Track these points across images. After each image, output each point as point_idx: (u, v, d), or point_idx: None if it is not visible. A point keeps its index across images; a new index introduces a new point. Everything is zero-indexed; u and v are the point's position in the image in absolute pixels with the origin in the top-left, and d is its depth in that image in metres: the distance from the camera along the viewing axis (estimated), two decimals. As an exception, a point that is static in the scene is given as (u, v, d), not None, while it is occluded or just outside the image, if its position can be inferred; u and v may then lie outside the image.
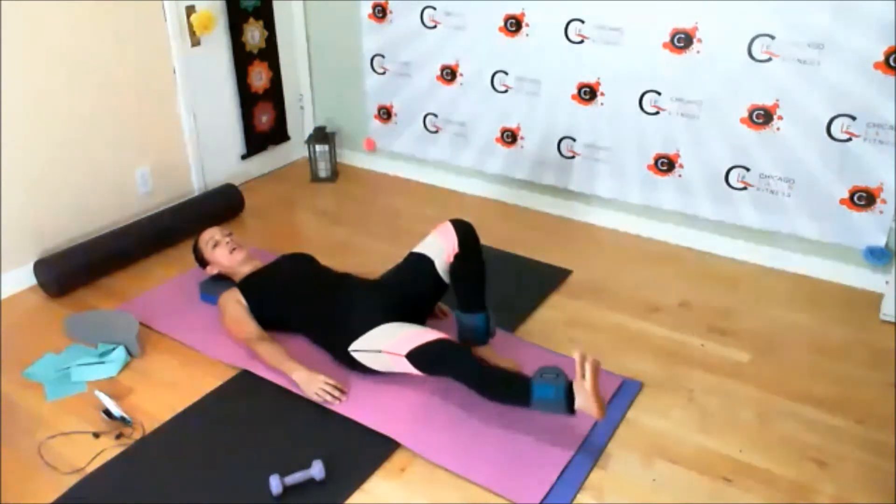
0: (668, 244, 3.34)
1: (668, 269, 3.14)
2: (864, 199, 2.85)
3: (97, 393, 2.33)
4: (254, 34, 3.82)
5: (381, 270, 2.65)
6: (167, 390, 2.42)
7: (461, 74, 3.62)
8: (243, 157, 3.98)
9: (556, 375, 2.08)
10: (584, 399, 2.03)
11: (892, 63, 2.62)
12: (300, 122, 4.30)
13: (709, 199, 3.17)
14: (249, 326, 2.53)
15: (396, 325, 2.30)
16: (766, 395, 2.38)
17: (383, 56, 3.82)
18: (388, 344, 2.27)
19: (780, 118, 2.90)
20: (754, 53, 2.85)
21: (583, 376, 2.04)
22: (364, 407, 2.29)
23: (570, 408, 2.04)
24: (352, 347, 2.36)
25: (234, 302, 2.59)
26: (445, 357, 2.17)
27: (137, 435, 2.23)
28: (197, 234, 2.93)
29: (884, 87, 2.66)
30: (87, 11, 3.04)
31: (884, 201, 2.81)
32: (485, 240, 2.59)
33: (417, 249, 2.51)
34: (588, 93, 3.30)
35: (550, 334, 2.68)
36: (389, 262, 2.79)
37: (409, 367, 2.22)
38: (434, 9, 3.55)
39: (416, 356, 2.18)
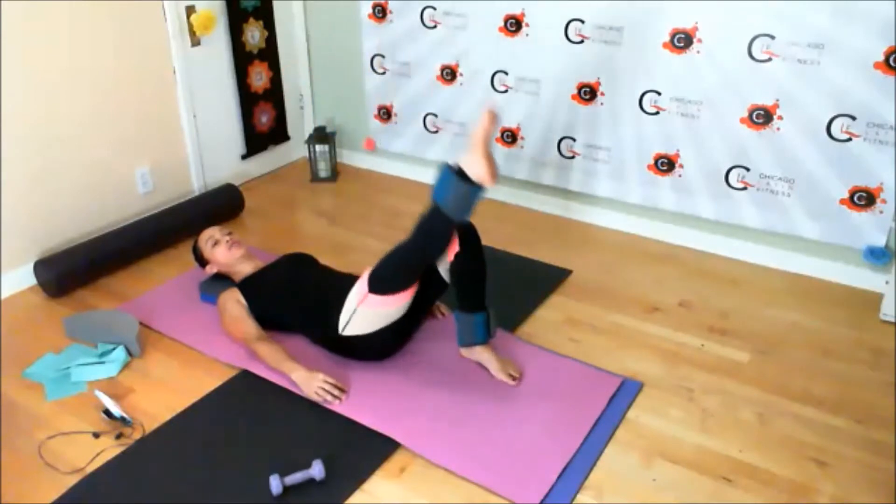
0: (668, 244, 3.34)
1: (668, 269, 3.14)
2: (863, 199, 2.85)
3: (97, 393, 2.33)
4: (254, 34, 3.82)
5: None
6: (167, 390, 2.42)
7: (461, 74, 3.61)
8: (243, 157, 3.98)
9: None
10: (471, 163, 2.12)
11: (892, 63, 2.62)
12: (300, 122, 4.30)
13: (709, 198, 3.17)
14: (249, 326, 2.53)
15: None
16: (766, 395, 2.38)
17: (383, 56, 3.82)
18: (354, 297, 2.36)
19: (780, 118, 2.90)
20: (754, 53, 2.85)
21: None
22: (364, 407, 2.29)
23: (463, 177, 2.13)
24: (340, 328, 2.39)
25: (233, 301, 2.59)
26: (390, 260, 2.31)
27: (137, 435, 2.23)
28: (197, 234, 2.93)
29: (884, 87, 2.66)
30: (87, 11, 3.04)
31: (884, 201, 2.81)
32: (485, 240, 2.59)
33: (418, 248, 2.50)
34: (588, 93, 3.30)
35: (550, 334, 2.68)
36: (389, 262, 2.79)
37: (376, 299, 2.31)
38: (434, 9, 3.55)
39: (372, 280, 2.31)
